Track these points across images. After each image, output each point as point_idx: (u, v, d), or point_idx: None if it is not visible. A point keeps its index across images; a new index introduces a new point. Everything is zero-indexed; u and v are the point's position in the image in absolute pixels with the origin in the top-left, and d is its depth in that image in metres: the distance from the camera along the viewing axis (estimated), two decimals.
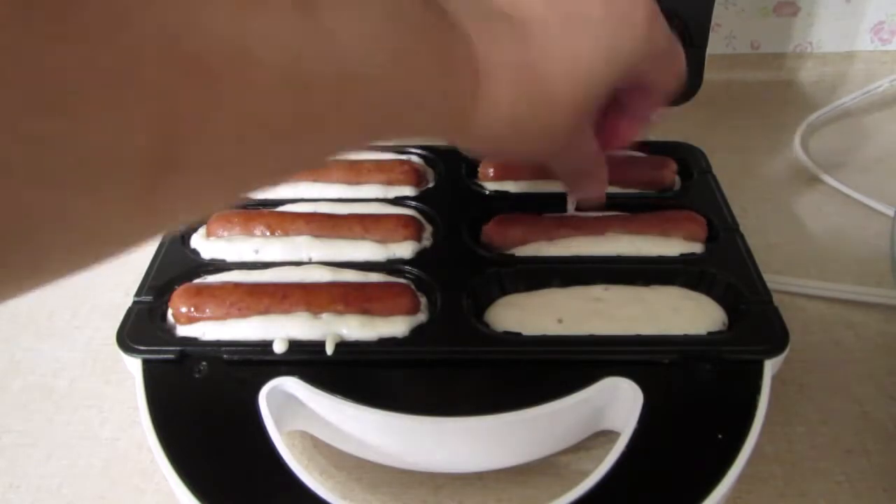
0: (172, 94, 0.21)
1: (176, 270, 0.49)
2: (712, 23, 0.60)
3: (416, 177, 0.58)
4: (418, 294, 0.47)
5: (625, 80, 0.41)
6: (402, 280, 0.49)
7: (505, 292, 0.49)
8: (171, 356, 0.43)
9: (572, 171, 0.49)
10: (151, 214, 0.24)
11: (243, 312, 0.45)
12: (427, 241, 0.53)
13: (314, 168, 0.36)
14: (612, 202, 0.56)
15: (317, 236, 0.52)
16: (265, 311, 0.45)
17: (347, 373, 0.43)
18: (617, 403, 0.42)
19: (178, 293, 0.46)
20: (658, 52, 0.42)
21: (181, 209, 0.25)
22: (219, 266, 0.50)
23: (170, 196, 0.23)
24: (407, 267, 0.50)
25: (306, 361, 0.43)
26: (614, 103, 0.46)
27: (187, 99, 0.21)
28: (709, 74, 0.62)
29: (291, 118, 0.26)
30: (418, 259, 0.51)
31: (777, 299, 0.46)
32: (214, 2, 0.22)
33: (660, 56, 0.42)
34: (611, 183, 0.57)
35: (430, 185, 0.59)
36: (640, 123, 0.48)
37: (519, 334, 0.45)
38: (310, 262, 0.50)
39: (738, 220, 0.54)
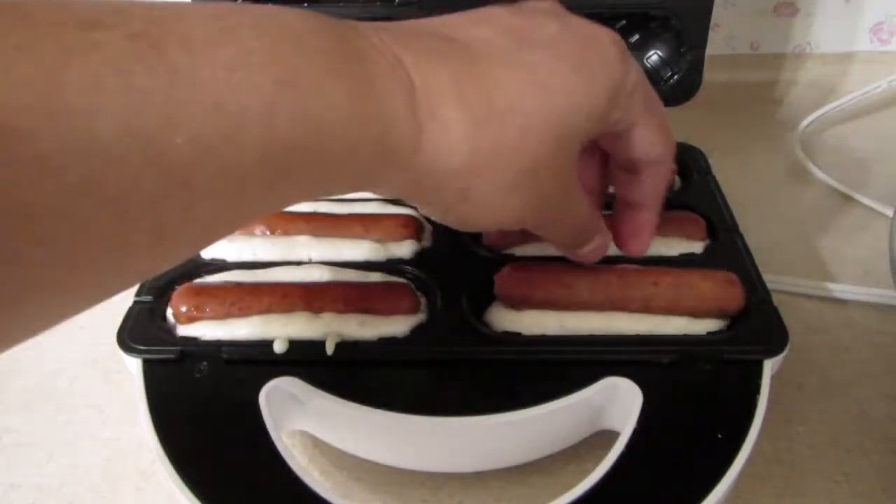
0: None
1: (176, 270, 0.49)
2: (712, 23, 0.60)
3: None
4: (418, 294, 0.48)
5: (607, 125, 0.36)
6: (402, 280, 0.49)
7: None
8: (171, 356, 0.43)
9: (568, 238, 0.41)
10: None
11: (243, 312, 0.45)
12: (427, 241, 0.53)
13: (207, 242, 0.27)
14: (612, 202, 0.56)
15: (317, 236, 0.52)
16: (265, 311, 0.45)
17: (347, 372, 0.43)
18: (616, 403, 0.42)
19: (179, 293, 0.46)
20: (639, 93, 0.36)
21: (10, 314, 0.22)
22: (219, 266, 0.50)
23: None
24: (407, 267, 0.50)
25: (306, 361, 0.43)
26: (618, 203, 0.43)
27: None
28: (708, 75, 0.62)
29: (142, 175, 0.22)
30: (418, 259, 0.51)
31: (777, 299, 0.46)
32: (13, 50, 0.19)
33: (641, 102, 0.36)
34: (610, 182, 0.58)
35: None
36: (649, 212, 0.43)
37: (519, 334, 0.45)
38: (310, 262, 0.50)
39: (738, 220, 0.54)
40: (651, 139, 0.38)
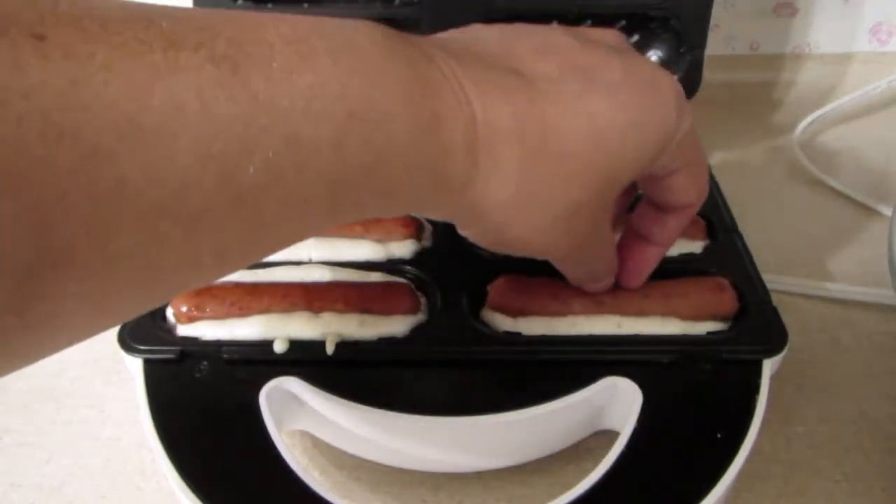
0: (48, 176, 0.18)
1: None
2: (711, 23, 0.61)
3: None
4: (418, 294, 0.48)
5: (649, 170, 0.36)
6: (402, 280, 0.49)
7: None
8: (171, 356, 0.43)
9: (584, 275, 0.43)
10: (28, 332, 0.20)
11: (243, 312, 0.45)
12: (427, 241, 0.53)
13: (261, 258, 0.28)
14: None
15: (317, 236, 0.52)
16: (265, 311, 0.45)
17: (347, 372, 0.43)
18: (616, 403, 0.42)
19: None
20: (687, 141, 0.37)
21: (72, 323, 0.22)
22: None
23: (55, 305, 0.20)
24: (407, 267, 0.50)
25: (306, 361, 0.43)
26: (630, 233, 0.44)
27: (70, 181, 0.19)
28: (708, 75, 0.62)
29: (215, 200, 0.22)
30: (418, 259, 0.51)
31: (776, 299, 0.46)
32: (100, 71, 0.20)
33: (687, 150, 0.37)
34: None
35: None
36: (661, 249, 0.43)
37: (519, 334, 0.45)
38: (310, 262, 0.51)
39: (737, 220, 0.54)
40: (688, 185, 0.39)
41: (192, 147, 0.21)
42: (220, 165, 0.22)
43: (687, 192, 0.40)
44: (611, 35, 0.39)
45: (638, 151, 0.34)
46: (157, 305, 0.26)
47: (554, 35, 0.36)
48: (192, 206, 0.22)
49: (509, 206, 0.32)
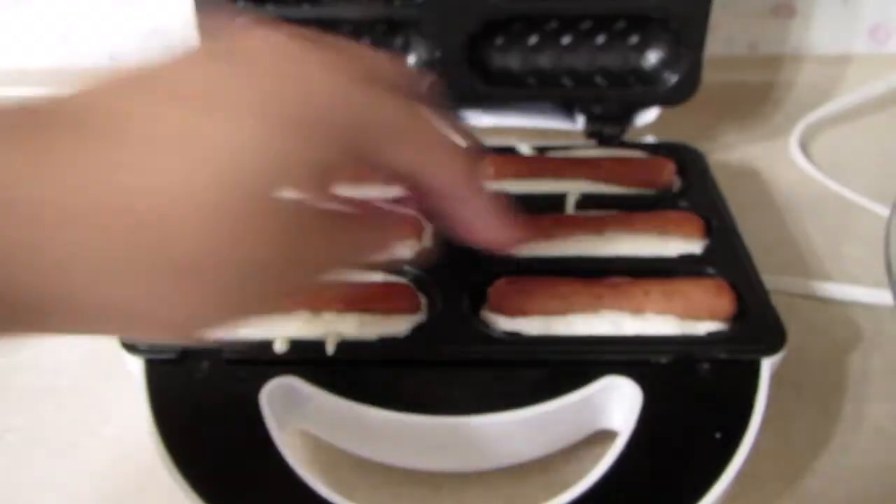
0: None
1: None
2: (710, 24, 0.61)
3: None
4: (418, 294, 0.48)
5: (347, 160, 0.30)
6: (402, 280, 0.49)
7: None
8: (172, 356, 0.43)
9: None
10: None
11: None
12: (427, 242, 0.53)
13: None
14: (612, 202, 0.56)
15: None
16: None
17: (348, 372, 0.43)
18: (616, 403, 0.42)
19: None
20: (357, 116, 0.29)
21: None
22: None
23: None
24: (407, 267, 0.50)
25: (307, 360, 0.43)
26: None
27: None
28: (707, 76, 0.62)
29: None
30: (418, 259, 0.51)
31: (775, 299, 0.47)
32: None
33: (389, 125, 0.30)
34: (610, 181, 0.58)
35: None
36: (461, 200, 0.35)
37: (519, 334, 0.45)
38: None
39: (736, 220, 0.54)
40: (411, 157, 0.32)
41: None
42: None
43: (439, 178, 0.33)
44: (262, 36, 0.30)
45: (267, 145, 0.26)
46: None
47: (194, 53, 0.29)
48: None
49: (86, 278, 0.26)
